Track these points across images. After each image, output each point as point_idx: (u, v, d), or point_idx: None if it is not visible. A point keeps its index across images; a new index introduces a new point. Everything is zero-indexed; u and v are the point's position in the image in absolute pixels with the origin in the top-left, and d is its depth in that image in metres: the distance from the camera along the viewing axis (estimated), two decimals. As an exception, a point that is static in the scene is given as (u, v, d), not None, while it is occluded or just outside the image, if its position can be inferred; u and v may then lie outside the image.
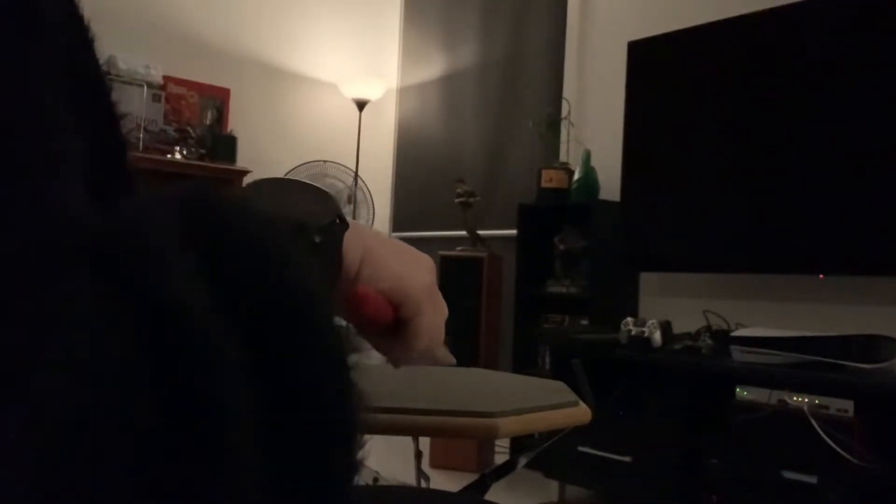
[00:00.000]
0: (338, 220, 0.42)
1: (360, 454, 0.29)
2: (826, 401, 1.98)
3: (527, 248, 3.22)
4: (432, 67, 4.25)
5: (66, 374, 0.21)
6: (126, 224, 0.26)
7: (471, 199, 3.40)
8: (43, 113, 0.24)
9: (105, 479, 0.21)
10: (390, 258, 0.45)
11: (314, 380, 0.28)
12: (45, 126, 0.24)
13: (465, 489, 1.25)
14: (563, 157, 3.36)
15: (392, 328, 0.46)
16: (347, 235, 0.42)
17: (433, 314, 0.47)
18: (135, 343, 0.23)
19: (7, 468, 0.19)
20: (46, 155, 0.24)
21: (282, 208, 0.39)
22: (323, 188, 0.44)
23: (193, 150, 3.62)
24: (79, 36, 0.30)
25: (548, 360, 3.10)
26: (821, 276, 2.42)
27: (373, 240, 0.45)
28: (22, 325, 0.21)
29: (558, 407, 1.06)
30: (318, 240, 0.40)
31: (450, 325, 0.52)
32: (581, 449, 2.50)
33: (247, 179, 3.74)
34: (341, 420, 0.29)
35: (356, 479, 0.30)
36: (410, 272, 0.46)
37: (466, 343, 3.25)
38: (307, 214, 0.40)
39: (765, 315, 2.60)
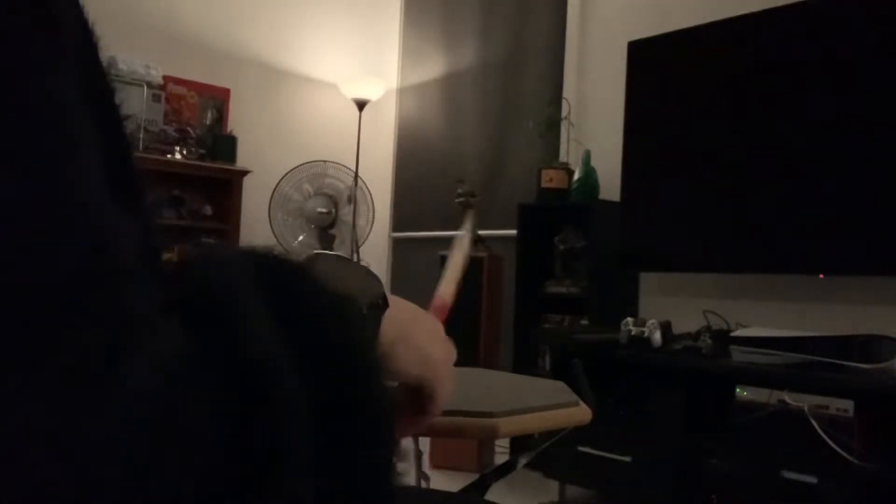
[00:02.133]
0: (380, 301, 0.45)
1: (396, 488, 0.34)
2: (826, 401, 1.98)
3: (527, 248, 3.22)
4: (432, 67, 4.25)
5: (152, 366, 0.23)
6: (209, 256, 0.30)
7: (471, 199, 3.40)
8: (69, 118, 0.25)
9: (178, 456, 0.23)
10: (417, 337, 0.49)
11: (370, 434, 0.32)
12: (75, 131, 0.25)
13: (465, 489, 1.25)
14: (563, 157, 3.36)
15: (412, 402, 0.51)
16: (386, 313, 0.46)
17: (446, 386, 0.52)
18: (211, 352, 0.25)
19: (103, 440, 0.21)
20: (84, 162, 0.25)
21: (336, 280, 0.41)
22: (371, 270, 0.47)
23: (193, 150, 3.62)
24: (85, 38, 0.31)
25: (548, 360, 3.09)
26: (821, 276, 2.42)
27: (406, 318, 0.49)
28: (111, 323, 0.22)
29: (558, 407, 1.06)
30: (364, 312, 0.43)
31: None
32: (581, 449, 2.50)
33: (247, 179, 3.74)
34: (385, 456, 0.33)
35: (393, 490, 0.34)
36: (431, 350, 0.50)
37: (466, 343, 3.25)
38: (357, 289, 0.43)
39: (765, 315, 2.60)
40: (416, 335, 0.49)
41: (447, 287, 0.66)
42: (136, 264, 0.24)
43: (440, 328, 0.53)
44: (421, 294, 0.65)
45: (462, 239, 0.66)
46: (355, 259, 3.71)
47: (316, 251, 0.47)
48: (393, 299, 0.47)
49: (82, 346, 0.21)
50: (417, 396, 0.50)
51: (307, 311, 0.31)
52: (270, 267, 0.33)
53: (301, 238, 3.72)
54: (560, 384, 1.29)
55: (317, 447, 0.28)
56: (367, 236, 3.84)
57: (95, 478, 0.21)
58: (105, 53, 0.32)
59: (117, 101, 0.32)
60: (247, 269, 0.31)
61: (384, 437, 0.33)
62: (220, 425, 0.24)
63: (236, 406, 0.25)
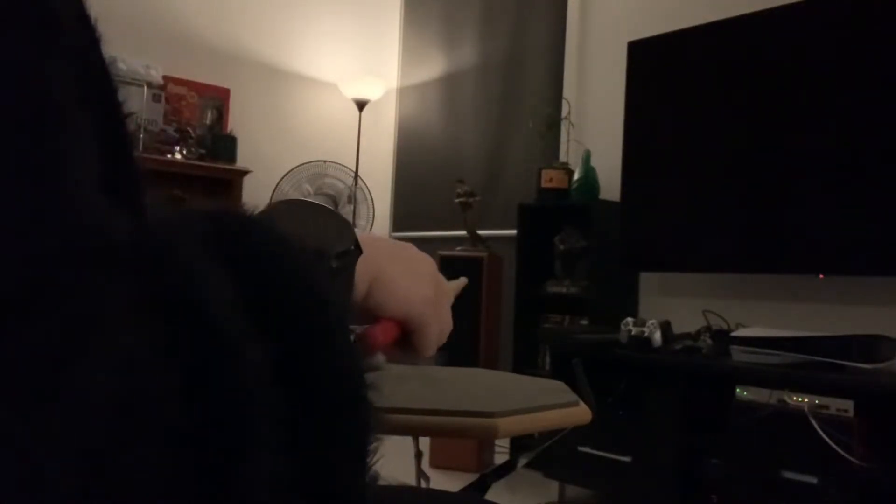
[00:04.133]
0: (353, 248, 0.44)
1: (371, 454, 0.32)
2: (826, 401, 1.98)
3: (527, 248, 3.22)
4: (432, 67, 4.25)
5: (108, 368, 0.22)
6: (158, 233, 0.28)
7: (471, 199, 3.40)
8: (60, 113, 0.24)
9: (139, 463, 0.22)
10: (396, 278, 0.48)
11: (332, 383, 0.30)
12: (64, 126, 0.25)
13: (465, 489, 1.25)
14: (563, 157, 3.36)
15: (401, 338, 0.50)
16: (360, 259, 0.45)
17: (436, 324, 0.51)
18: (166, 341, 0.24)
19: (56, 450, 0.21)
20: (69, 156, 0.24)
21: (303, 230, 0.41)
22: (341, 215, 0.46)
23: (193, 150, 3.62)
24: (87, 35, 0.31)
25: (548, 360, 3.10)
26: (821, 276, 2.42)
27: (382, 258, 0.48)
28: (62, 321, 0.22)
29: (558, 407, 1.06)
30: (334, 265, 0.42)
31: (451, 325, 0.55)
32: (581, 449, 2.50)
33: (247, 179, 3.74)
34: (355, 422, 0.31)
35: (368, 478, 0.33)
36: (415, 290, 0.49)
37: (466, 343, 3.25)
38: (326, 239, 0.42)
39: (765, 315, 2.60)
40: (395, 275, 0.48)
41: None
42: (107, 257, 0.24)
43: (424, 262, 0.52)
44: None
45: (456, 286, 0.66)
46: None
47: (281, 199, 0.47)
48: (370, 240, 0.46)
49: (34, 344, 0.21)
50: (407, 333, 0.50)
51: (269, 280, 0.30)
52: (230, 231, 0.31)
53: (301, 238, 3.71)
54: (560, 384, 1.29)
55: (284, 426, 0.27)
56: (367, 236, 3.84)
57: (49, 477, 0.20)
58: (108, 51, 0.32)
59: (119, 99, 0.32)
60: (198, 228, 0.30)
61: (354, 406, 0.31)
62: (181, 416, 0.24)
63: (196, 389, 0.24)
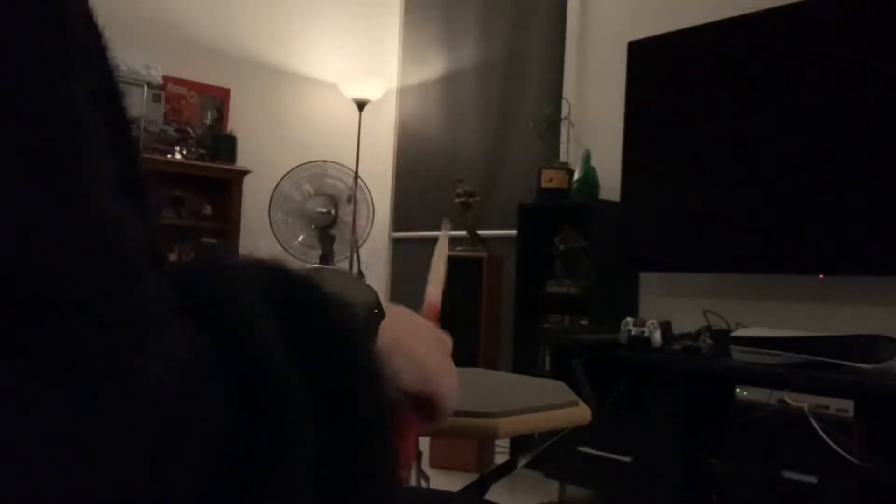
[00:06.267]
0: (376, 310, 0.46)
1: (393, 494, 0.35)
2: (826, 401, 1.98)
3: (527, 248, 3.22)
4: (432, 67, 4.25)
5: (165, 366, 0.23)
6: (216, 263, 0.31)
7: (471, 200, 3.40)
8: (79, 118, 0.25)
9: (185, 464, 0.23)
10: (414, 346, 0.50)
11: (369, 424, 0.33)
12: (84, 131, 0.25)
13: (465, 489, 1.25)
14: (563, 157, 3.36)
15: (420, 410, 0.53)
16: (383, 323, 0.47)
17: (449, 384, 0.53)
18: (216, 355, 0.26)
19: (117, 442, 0.22)
20: (92, 161, 0.25)
21: (335, 290, 0.43)
22: (365, 281, 0.49)
23: (193, 150, 3.62)
24: (95, 42, 0.31)
25: (548, 360, 3.09)
26: (821, 276, 2.42)
27: (400, 326, 0.50)
28: (121, 320, 0.23)
29: (558, 407, 1.06)
30: (363, 322, 0.44)
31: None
32: (581, 449, 2.50)
33: (247, 179, 3.74)
34: (384, 463, 0.34)
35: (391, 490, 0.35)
36: (430, 357, 0.51)
37: (466, 343, 3.25)
38: (353, 299, 0.44)
39: (765, 315, 2.60)
40: (412, 346, 0.50)
41: (434, 288, 0.68)
42: (145, 263, 0.25)
43: (435, 333, 0.54)
44: (421, 294, 0.65)
45: (442, 241, 0.68)
46: (355, 259, 3.71)
47: (312, 265, 0.49)
48: (388, 309, 0.48)
49: (91, 345, 0.22)
50: (422, 404, 0.51)
51: (311, 315, 0.33)
52: (275, 273, 0.34)
53: (301, 238, 3.72)
54: (560, 384, 1.29)
55: (318, 448, 0.28)
56: (367, 236, 3.84)
57: (108, 477, 0.21)
58: (114, 55, 0.32)
59: (125, 103, 0.33)
60: (252, 274, 0.32)
61: (385, 439, 0.33)
62: (228, 425, 0.25)
63: (243, 407, 0.25)
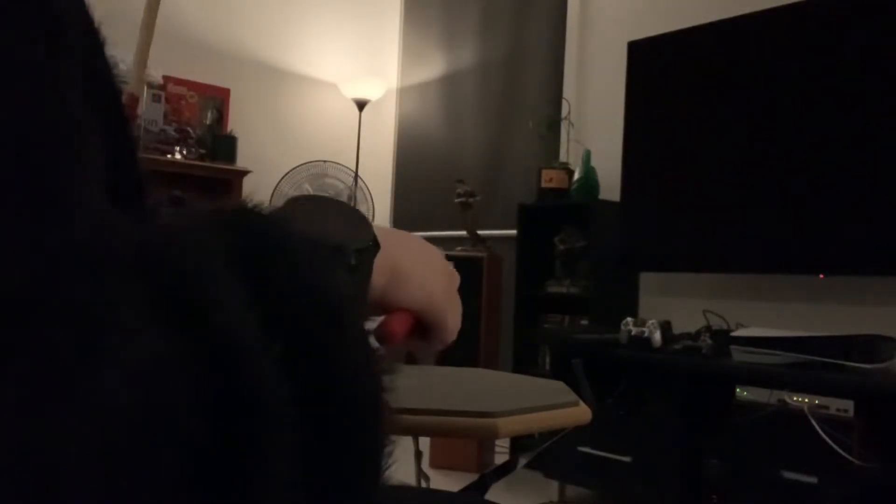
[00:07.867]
0: (371, 244, 0.44)
1: (386, 458, 0.32)
2: (826, 401, 1.98)
3: (527, 248, 3.22)
4: (432, 67, 4.25)
5: (122, 373, 0.22)
6: (167, 238, 0.28)
7: (471, 199, 3.40)
8: (71, 118, 0.25)
9: (156, 467, 0.22)
10: (414, 271, 0.48)
11: (346, 385, 0.30)
12: (75, 131, 0.25)
13: (465, 489, 1.25)
14: (563, 157, 3.36)
15: (418, 329, 0.50)
16: (380, 252, 0.45)
17: (454, 314, 0.52)
18: (178, 349, 0.24)
19: (70, 452, 0.21)
20: (80, 162, 0.24)
21: (320, 227, 0.41)
22: (360, 211, 0.46)
23: (193, 150, 3.63)
24: (92, 40, 0.31)
25: (548, 360, 3.10)
26: (821, 276, 2.42)
27: (397, 251, 0.48)
28: (76, 326, 0.22)
29: (558, 407, 1.07)
30: (353, 262, 0.42)
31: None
32: (581, 449, 2.50)
33: (247, 179, 3.74)
34: (370, 424, 0.31)
35: (382, 478, 0.32)
36: (432, 281, 0.49)
37: (466, 343, 3.25)
38: (345, 235, 0.42)
39: (765, 315, 2.60)
40: (412, 268, 0.48)
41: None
42: (120, 263, 0.24)
43: (435, 254, 0.52)
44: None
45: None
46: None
47: (296, 195, 0.47)
48: (385, 233, 0.46)
49: (46, 347, 0.21)
50: (425, 324, 0.50)
51: (283, 280, 0.30)
52: (242, 231, 0.31)
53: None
54: (560, 384, 1.29)
55: (303, 450, 0.27)
56: (367, 236, 3.84)
57: (64, 482, 0.20)
58: (111, 53, 0.32)
59: (124, 102, 0.32)
60: (214, 245, 0.29)
61: (372, 421, 0.31)
62: (197, 425, 0.23)
63: (213, 404, 0.24)
